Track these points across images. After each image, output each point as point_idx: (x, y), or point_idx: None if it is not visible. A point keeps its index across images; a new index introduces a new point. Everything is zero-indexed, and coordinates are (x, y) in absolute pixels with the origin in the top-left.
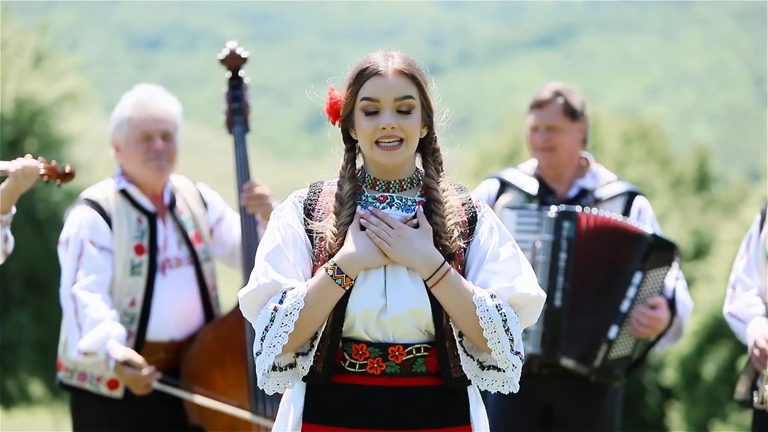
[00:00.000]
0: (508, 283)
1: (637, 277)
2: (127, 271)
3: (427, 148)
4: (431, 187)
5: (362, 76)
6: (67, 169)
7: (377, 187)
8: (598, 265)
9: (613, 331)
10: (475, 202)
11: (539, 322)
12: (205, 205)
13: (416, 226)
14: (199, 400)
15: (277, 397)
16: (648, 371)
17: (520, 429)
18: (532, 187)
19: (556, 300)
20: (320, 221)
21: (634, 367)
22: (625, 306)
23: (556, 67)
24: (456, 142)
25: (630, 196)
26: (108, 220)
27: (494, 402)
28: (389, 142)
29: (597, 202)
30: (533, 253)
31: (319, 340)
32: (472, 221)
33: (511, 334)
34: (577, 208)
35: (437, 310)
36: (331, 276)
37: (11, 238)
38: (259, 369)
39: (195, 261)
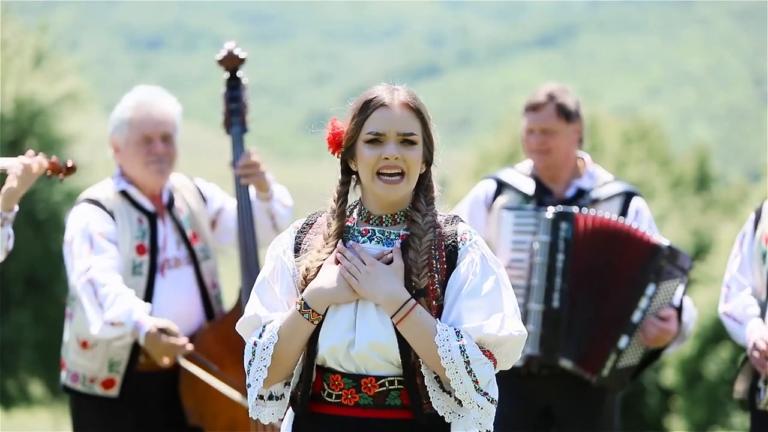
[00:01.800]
0: (480, 322)
1: (651, 289)
2: (129, 271)
3: (421, 182)
4: (414, 220)
5: (368, 107)
6: (69, 164)
7: (371, 221)
8: (597, 267)
9: (623, 341)
10: (461, 235)
11: (537, 324)
12: (204, 200)
13: (390, 261)
14: (216, 384)
15: None
16: (648, 371)
17: (519, 430)
18: (529, 188)
19: (554, 301)
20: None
21: (638, 373)
22: (636, 317)
23: (556, 67)
24: (456, 142)
25: (627, 196)
26: (111, 218)
27: None
28: (390, 175)
29: (594, 202)
30: (531, 254)
31: (299, 370)
32: (451, 255)
33: (474, 376)
34: (575, 209)
35: (405, 345)
36: (299, 310)
37: (12, 236)
38: (249, 401)
39: (194, 260)
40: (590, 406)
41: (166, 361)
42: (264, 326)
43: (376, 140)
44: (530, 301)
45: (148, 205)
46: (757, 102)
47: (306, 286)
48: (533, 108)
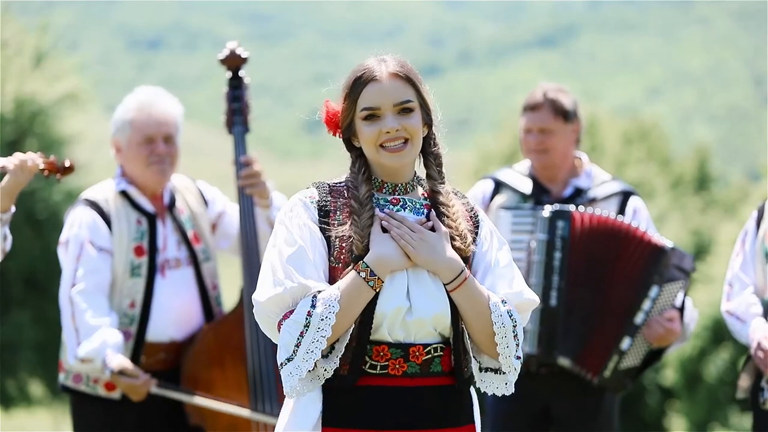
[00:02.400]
0: (511, 289)
1: (654, 291)
2: (126, 272)
3: (428, 149)
4: (436, 190)
5: (358, 83)
6: (67, 163)
7: (384, 190)
8: (594, 264)
9: (626, 343)
10: (473, 206)
11: (535, 322)
12: (205, 202)
13: (431, 228)
14: (198, 401)
15: (277, 396)
16: (648, 371)
17: (518, 429)
18: (527, 187)
19: (552, 299)
20: (339, 223)
21: (639, 374)
22: (639, 319)
23: (556, 67)
24: (456, 142)
25: (625, 195)
26: (107, 221)
27: (493, 402)
28: (395, 145)
29: (592, 201)
30: (528, 252)
31: (344, 342)
32: (477, 225)
33: (517, 339)
34: (571, 208)
35: (454, 312)
36: (364, 278)
37: (9, 237)
38: (293, 375)
39: (194, 261)
40: (589, 406)
41: (134, 398)
42: (314, 296)
43: (372, 116)
44: None
45: (148, 206)
46: (757, 102)
47: (358, 254)
48: (531, 108)
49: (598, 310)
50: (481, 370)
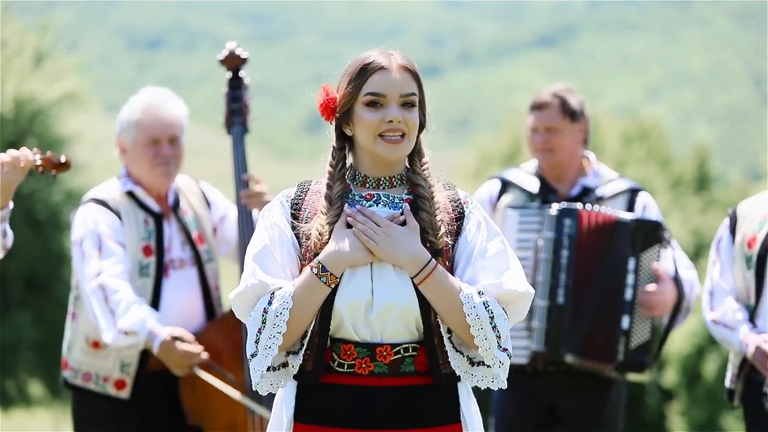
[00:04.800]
0: (496, 280)
1: (632, 263)
2: (136, 272)
3: (414, 147)
4: (418, 183)
5: (366, 70)
6: (62, 159)
7: (367, 185)
8: (599, 261)
9: (625, 322)
10: (463, 198)
11: (543, 320)
12: (208, 204)
13: (403, 223)
14: (231, 392)
15: (275, 396)
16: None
17: (524, 428)
18: (534, 187)
19: (559, 297)
20: (307, 220)
21: (659, 352)
22: (628, 294)
23: (555, 67)
24: (456, 142)
25: (632, 193)
26: (118, 219)
27: (498, 401)
28: (393, 136)
29: (599, 200)
30: (535, 251)
31: (308, 338)
32: (459, 218)
33: (498, 331)
34: (578, 206)
35: (425, 306)
36: (316, 274)
37: (10, 233)
38: (255, 371)
39: (198, 262)
40: (594, 404)
41: (180, 371)
42: (272, 293)
43: (376, 103)
44: (535, 297)
45: (154, 206)
46: (757, 102)
47: (320, 250)
48: (538, 107)
49: (607, 305)
50: (473, 364)
